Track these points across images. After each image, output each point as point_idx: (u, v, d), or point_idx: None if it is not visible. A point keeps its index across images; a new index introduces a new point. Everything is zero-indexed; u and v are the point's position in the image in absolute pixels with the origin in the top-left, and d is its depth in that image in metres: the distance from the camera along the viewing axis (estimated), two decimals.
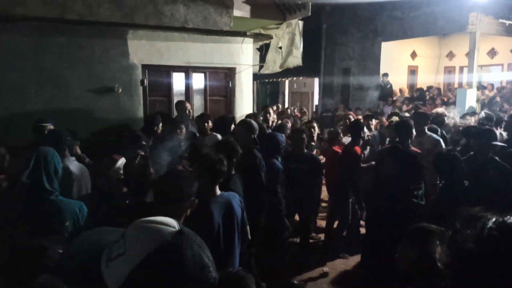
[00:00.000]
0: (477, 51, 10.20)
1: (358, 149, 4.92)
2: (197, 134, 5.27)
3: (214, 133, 5.16)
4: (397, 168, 3.10)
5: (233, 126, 5.14)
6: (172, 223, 0.98)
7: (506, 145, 4.61)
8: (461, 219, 0.71)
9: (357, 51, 13.65)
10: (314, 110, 16.06)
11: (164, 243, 0.90)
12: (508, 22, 9.98)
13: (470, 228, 0.68)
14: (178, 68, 6.56)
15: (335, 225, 5.27)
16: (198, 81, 6.80)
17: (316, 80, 16.18)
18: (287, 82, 19.00)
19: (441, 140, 4.96)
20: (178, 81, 6.63)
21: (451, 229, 0.70)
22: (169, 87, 6.53)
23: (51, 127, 4.13)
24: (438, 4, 10.53)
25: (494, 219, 0.67)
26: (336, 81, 14.71)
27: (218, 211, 2.59)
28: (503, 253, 0.63)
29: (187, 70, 6.64)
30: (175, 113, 6.03)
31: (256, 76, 13.11)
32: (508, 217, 0.68)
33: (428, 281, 1.33)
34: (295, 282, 4.35)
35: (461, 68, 12.95)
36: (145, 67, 6.24)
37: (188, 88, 6.70)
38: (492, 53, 12.91)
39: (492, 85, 12.03)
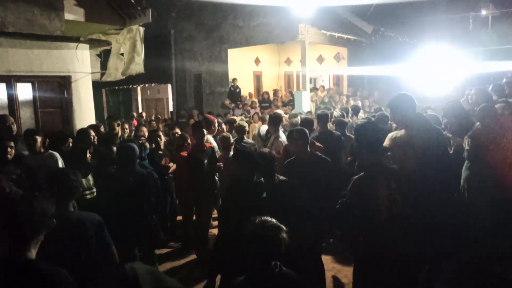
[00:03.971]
0: (308, 58, 11.63)
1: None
2: (26, 153, 4.62)
3: (50, 151, 4.57)
4: (236, 165, 3.30)
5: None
6: None
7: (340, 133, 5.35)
8: None
9: (206, 58, 14.03)
10: (169, 116, 15.89)
11: None
12: (328, 33, 11.65)
13: None
14: None
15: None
16: (25, 92, 6.00)
17: (170, 86, 16.05)
18: (139, 89, 18.35)
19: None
20: None
21: None
22: None
23: None
24: (273, 15, 11.61)
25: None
26: (189, 87, 14.86)
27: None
28: None
29: (9, 80, 5.80)
30: None
31: (104, 84, 12.29)
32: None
33: None
34: None
35: (298, 73, 14.53)
36: None
37: (12, 100, 5.85)
38: (320, 59, 14.88)
39: (323, 86, 13.86)
